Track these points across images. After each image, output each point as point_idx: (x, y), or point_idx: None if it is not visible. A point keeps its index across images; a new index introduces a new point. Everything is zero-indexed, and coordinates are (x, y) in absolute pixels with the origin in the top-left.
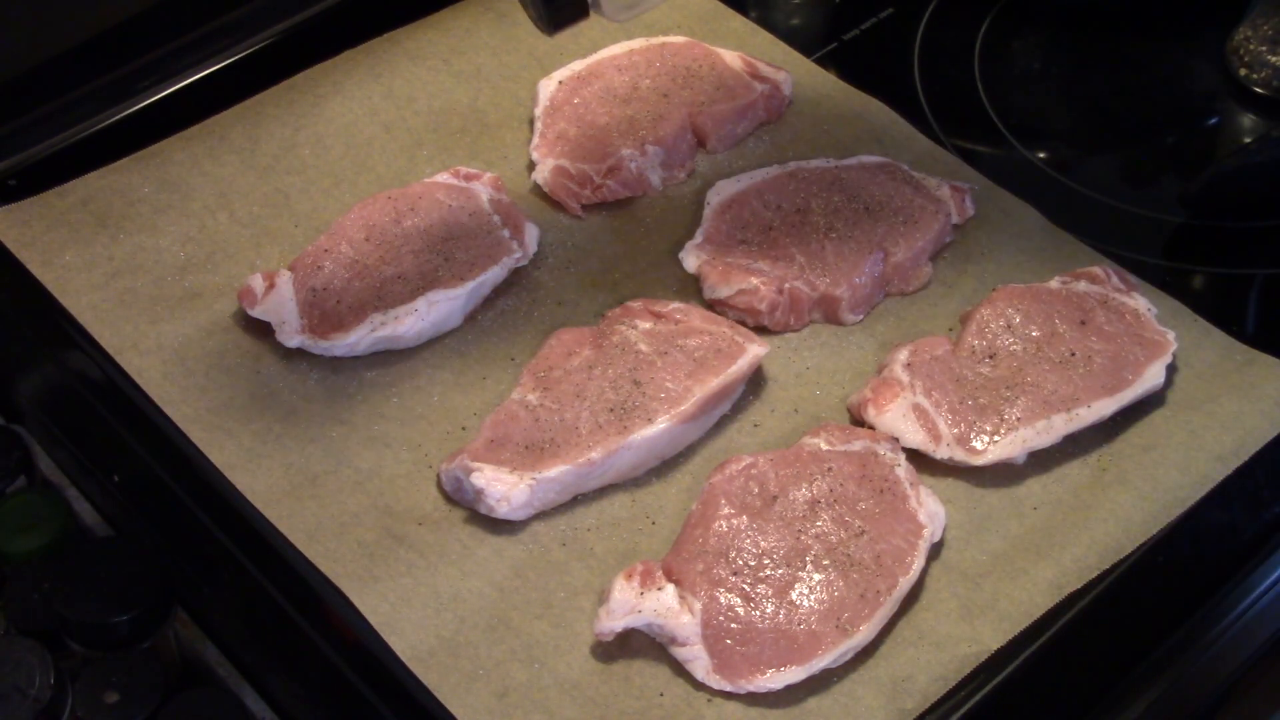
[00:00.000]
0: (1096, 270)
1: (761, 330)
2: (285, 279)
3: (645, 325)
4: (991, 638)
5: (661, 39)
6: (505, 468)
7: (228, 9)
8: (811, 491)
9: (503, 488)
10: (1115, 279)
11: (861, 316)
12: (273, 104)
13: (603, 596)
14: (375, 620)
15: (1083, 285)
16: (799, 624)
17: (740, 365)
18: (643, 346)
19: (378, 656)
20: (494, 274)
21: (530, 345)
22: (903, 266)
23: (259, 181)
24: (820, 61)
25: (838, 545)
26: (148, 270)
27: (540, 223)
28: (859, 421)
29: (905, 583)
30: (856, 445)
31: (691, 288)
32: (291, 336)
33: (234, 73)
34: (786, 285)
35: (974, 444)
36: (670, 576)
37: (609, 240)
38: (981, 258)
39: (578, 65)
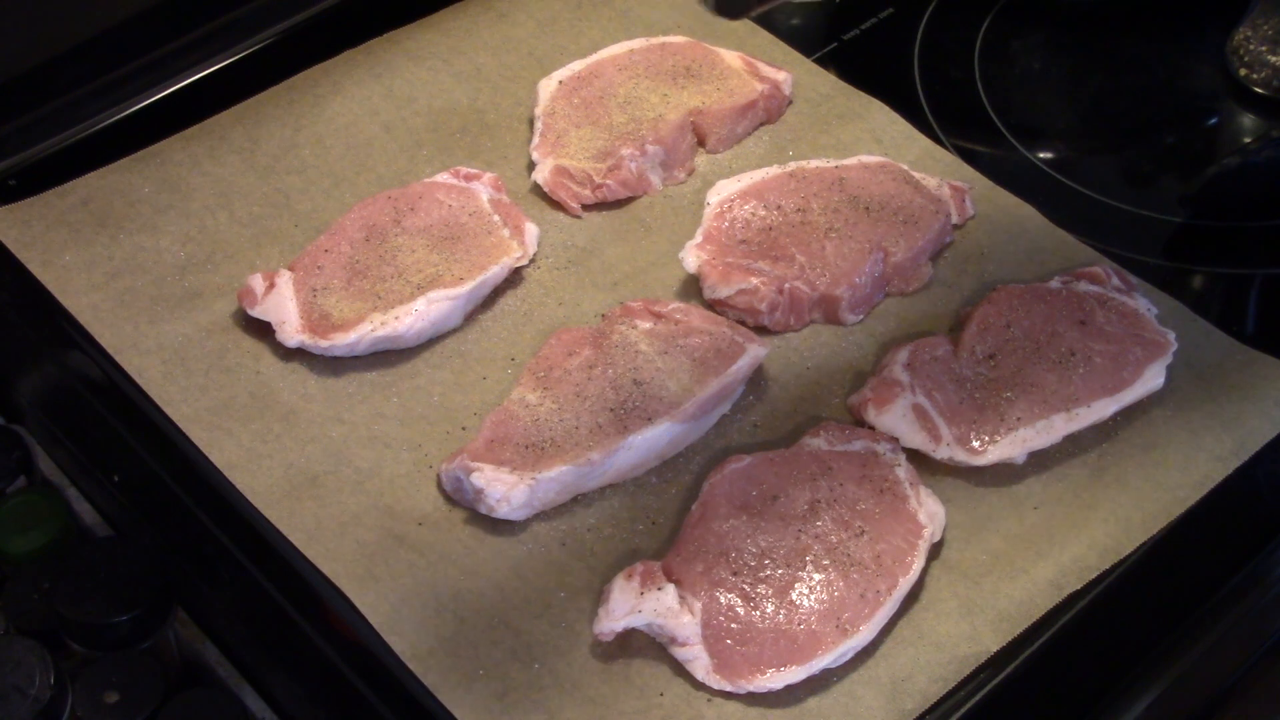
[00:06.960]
0: (1096, 270)
1: (761, 330)
2: (285, 279)
3: (645, 325)
4: (991, 638)
5: (661, 39)
6: (505, 468)
7: (228, 9)
8: (811, 491)
9: (503, 488)
10: (1115, 279)
11: (861, 316)
12: (273, 104)
13: (603, 596)
14: (375, 620)
15: (1083, 285)
16: (799, 624)
17: (740, 365)
18: (643, 346)
19: (378, 656)
20: (494, 274)
21: (530, 345)
22: (903, 266)
23: (259, 181)
24: (820, 61)
25: (838, 545)
26: (148, 270)
27: (540, 223)
28: (859, 421)
29: (905, 583)
30: (856, 445)
31: (691, 288)
32: (291, 336)
33: (234, 73)
34: (786, 285)
35: (974, 444)
36: (670, 576)
37: (609, 240)
38: (981, 258)
39: (578, 65)
